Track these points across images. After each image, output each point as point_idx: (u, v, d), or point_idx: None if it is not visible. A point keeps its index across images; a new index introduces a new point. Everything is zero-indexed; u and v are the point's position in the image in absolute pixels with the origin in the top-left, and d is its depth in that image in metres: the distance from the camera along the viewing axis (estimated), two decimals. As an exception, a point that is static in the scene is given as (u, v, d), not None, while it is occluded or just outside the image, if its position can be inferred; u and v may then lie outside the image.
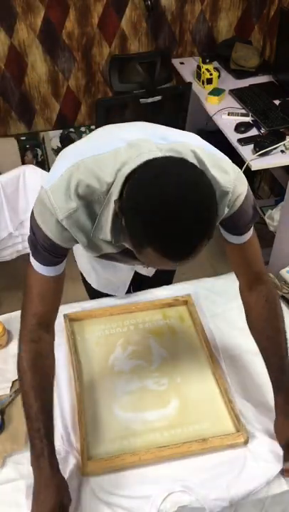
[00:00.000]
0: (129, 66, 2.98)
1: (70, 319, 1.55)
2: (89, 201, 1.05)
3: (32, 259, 1.15)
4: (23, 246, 2.57)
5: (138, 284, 1.81)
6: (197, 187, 0.92)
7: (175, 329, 1.57)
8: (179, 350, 1.50)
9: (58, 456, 1.13)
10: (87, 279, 1.70)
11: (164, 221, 0.88)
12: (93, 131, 1.26)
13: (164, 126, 1.23)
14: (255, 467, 1.22)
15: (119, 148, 1.06)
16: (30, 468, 1.13)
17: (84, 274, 1.70)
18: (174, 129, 1.23)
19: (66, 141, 3.26)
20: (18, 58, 2.95)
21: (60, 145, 3.28)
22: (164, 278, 1.72)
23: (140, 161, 1.00)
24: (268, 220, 2.70)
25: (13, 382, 1.39)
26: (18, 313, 1.55)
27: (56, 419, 1.25)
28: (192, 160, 1.05)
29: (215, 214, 0.94)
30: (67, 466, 1.21)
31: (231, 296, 1.65)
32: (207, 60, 2.93)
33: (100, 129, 1.25)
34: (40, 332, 1.18)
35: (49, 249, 1.11)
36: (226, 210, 1.14)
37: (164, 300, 1.63)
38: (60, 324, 1.49)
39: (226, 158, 1.17)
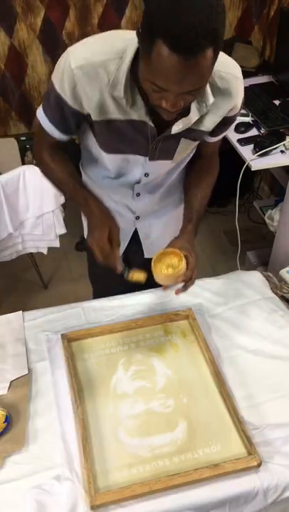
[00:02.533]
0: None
1: (68, 339, 1.48)
2: (106, 57, 1.15)
3: (39, 110, 1.31)
4: (23, 246, 2.56)
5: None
6: None
7: (178, 346, 1.49)
8: (183, 368, 1.43)
9: (61, 486, 1.14)
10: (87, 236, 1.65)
11: (177, 6, 0.92)
12: None
13: None
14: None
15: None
16: (30, 468, 1.18)
17: (86, 231, 1.64)
18: None
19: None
20: (18, 58, 2.94)
21: (60, 145, 3.27)
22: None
23: None
24: (267, 220, 2.69)
25: (11, 382, 1.38)
26: (19, 313, 1.58)
27: (58, 443, 1.23)
28: None
29: (224, 11, 0.98)
30: (73, 497, 1.13)
31: (231, 296, 1.66)
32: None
33: None
34: (53, 150, 1.39)
35: (54, 104, 1.24)
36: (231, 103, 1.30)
37: (164, 315, 1.56)
38: (59, 343, 1.47)
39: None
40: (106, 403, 1.33)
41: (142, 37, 1.02)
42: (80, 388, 1.36)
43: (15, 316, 1.58)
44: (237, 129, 2.44)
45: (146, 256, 1.70)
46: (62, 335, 1.49)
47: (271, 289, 1.72)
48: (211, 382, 1.39)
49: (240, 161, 2.29)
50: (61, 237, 2.57)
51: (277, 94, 2.72)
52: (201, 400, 1.35)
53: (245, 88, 2.74)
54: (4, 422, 1.25)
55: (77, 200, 1.38)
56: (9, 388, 1.37)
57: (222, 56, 1.14)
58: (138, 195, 1.53)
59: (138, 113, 1.21)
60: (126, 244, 1.65)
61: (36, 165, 1.44)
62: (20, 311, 1.60)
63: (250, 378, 1.41)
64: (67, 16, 2.85)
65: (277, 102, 2.65)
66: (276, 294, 1.71)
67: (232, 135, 2.42)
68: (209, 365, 1.42)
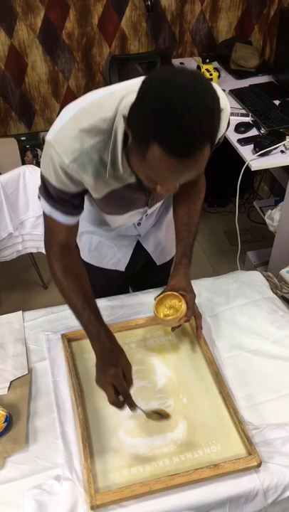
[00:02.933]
0: (129, 66, 2.98)
1: (69, 339, 1.47)
2: (96, 141, 1.09)
3: (44, 205, 1.23)
4: (23, 246, 2.56)
5: (137, 284, 1.83)
6: (202, 80, 0.95)
7: (178, 346, 1.49)
8: (183, 368, 1.42)
9: (61, 486, 1.14)
10: (85, 257, 1.64)
11: (172, 108, 0.88)
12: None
13: None
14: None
15: (114, 89, 1.12)
16: (31, 468, 1.19)
17: (82, 252, 1.64)
18: None
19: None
20: (18, 58, 2.93)
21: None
22: (162, 278, 1.72)
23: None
24: (268, 220, 2.68)
25: (11, 382, 1.38)
26: (19, 313, 1.58)
27: (58, 443, 1.23)
28: None
29: (219, 109, 0.96)
30: (73, 497, 1.13)
31: (231, 296, 1.67)
32: (207, 60, 2.93)
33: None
34: (63, 252, 1.30)
35: (58, 197, 1.19)
36: (224, 126, 1.23)
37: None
38: (59, 343, 1.48)
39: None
40: (106, 403, 1.32)
41: (134, 135, 0.99)
42: (80, 388, 1.36)
43: (15, 316, 1.58)
44: (237, 129, 2.45)
45: (158, 263, 1.70)
46: (62, 335, 1.48)
47: (271, 289, 1.72)
48: (211, 382, 1.39)
49: (240, 161, 2.29)
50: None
51: (277, 94, 2.73)
52: (201, 400, 1.35)
53: (245, 88, 2.79)
54: (4, 422, 1.25)
55: (89, 331, 1.27)
56: (9, 388, 1.37)
57: None
58: (139, 224, 1.54)
59: (134, 176, 1.18)
60: (128, 259, 1.65)
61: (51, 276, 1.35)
62: (21, 311, 1.60)
63: (250, 378, 1.41)
64: (67, 16, 2.85)
65: (277, 102, 2.64)
66: (276, 294, 1.71)
67: (232, 135, 2.42)
68: (209, 365, 1.42)
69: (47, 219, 1.26)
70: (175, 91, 0.89)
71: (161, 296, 1.43)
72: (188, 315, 1.40)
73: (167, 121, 0.89)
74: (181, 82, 0.91)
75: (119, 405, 1.18)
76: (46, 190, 1.20)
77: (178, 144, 0.91)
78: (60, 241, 1.29)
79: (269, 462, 1.20)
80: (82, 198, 1.25)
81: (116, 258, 1.63)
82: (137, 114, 0.95)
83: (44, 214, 1.26)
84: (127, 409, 1.19)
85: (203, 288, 1.69)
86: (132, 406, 1.19)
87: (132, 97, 1.01)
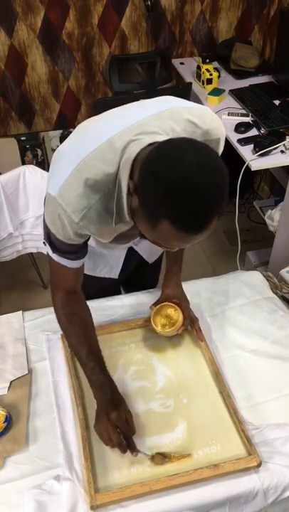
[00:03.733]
0: (129, 66, 2.98)
1: None
2: (101, 195, 1.08)
3: (51, 254, 1.23)
4: (23, 246, 2.56)
5: (130, 284, 1.83)
6: (211, 156, 0.96)
7: (178, 346, 1.49)
8: (183, 369, 1.43)
9: (61, 486, 1.14)
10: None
11: (185, 190, 0.88)
12: (75, 130, 1.23)
13: (138, 102, 1.23)
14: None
15: (112, 137, 1.08)
16: (31, 468, 1.19)
17: None
18: (147, 101, 1.23)
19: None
20: (18, 58, 2.93)
21: (60, 145, 3.27)
22: (153, 276, 1.72)
23: (139, 146, 1.02)
24: (268, 220, 2.68)
25: (11, 382, 1.38)
26: (19, 313, 1.58)
27: (58, 443, 1.24)
28: (188, 126, 1.13)
29: (227, 184, 0.95)
30: (73, 497, 1.13)
31: (231, 296, 1.67)
32: (207, 60, 2.93)
33: (80, 127, 1.23)
34: (70, 298, 1.30)
35: (65, 250, 1.20)
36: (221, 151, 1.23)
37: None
38: (58, 343, 1.48)
39: (203, 107, 1.24)
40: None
41: (142, 204, 0.98)
42: (80, 388, 1.36)
43: (15, 316, 1.58)
44: (237, 129, 2.44)
45: (150, 262, 1.70)
46: (61, 335, 1.48)
47: (271, 289, 1.72)
48: (211, 382, 1.39)
49: (240, 161, 2.29)
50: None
51: (277, 94, 2.72)
52: (201, 400, 1.35)
53: (245, 88, 2.79)
54: (4, 422, 1.25)
55: (92, 381, 1.26)
56: (9, 388, 1.37)
57: (207, 117, 1.18)
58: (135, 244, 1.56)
59: (131, 224, 1.18)
60: (120, 267, 1.64)
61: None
62: (21, 311, 1.60)
63: (250, 378, 1.41)
64: (67, 16, 2.85)
65: (277, 102, 2.64)
66: (276, 294, 1.71)
67: (232, 135, 2.42)
68: (209, 366, 1.42)
69: (53, 264, 1.25)
70: (187, 171, 0.89)
71: (158, 307, 1.47)
72: (185, 324, 1.44)
73: (180, 203, 0.89)
74: (192, 161, 0.91)
75: (123, 447, 1.18)
76: (52, 243, 1.20)
77: (190, 223, 0.92)
78: (67, 287, 1.30)
79: (269, 462, 1.20)
80: (87, 244, 1.26)
81: (109, 266, 1.63)
82: (148, 193, 0.94)
83: (50, 258, 1.25)
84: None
85: (203, 288, 1.69)
86: (135, 450, 1.18)
87: (134, 149, 1.03)
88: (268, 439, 1.25)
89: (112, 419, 1.18)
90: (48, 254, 1.25)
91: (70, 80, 3.09)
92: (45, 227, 1.19)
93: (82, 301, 1.34)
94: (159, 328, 1.46)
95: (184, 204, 0.89)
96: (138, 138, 1.05)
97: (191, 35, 3.13)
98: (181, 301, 1.45)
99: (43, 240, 1.24)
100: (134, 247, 1.60)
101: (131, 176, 1.04)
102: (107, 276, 1.65)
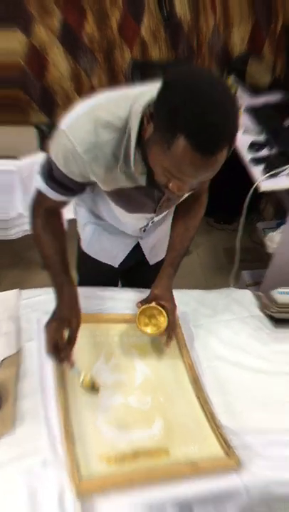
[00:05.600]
0: (151, 72, 2.99)
1: None
2: (110, 138, 1.12)
3: (41, 184, 1.28)
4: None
5: (128, 279, 1.86)
6: (226, 85, 0.99)
7: (159, 347, 1.51)
8: (162, 370, 1.45)
9: (47, 472, 1.12)
10: (84, 246, 1.69)
11: (203, 103, 0.92)
12: None
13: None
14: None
15: (129, 91, 1.15)
16: (21, 450, 1.16)
17: (83, 241, 1.69)
18: None
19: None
20: (38, 56, 2.90)
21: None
22: (152, 276, 1.72)
23: (153, 93, 1.04)
24: (267, 242, 2.68)
25: (2, 361, 1.35)
26: (16, 291, 1.59)
27: (41, 427, 1.22)
28: None
29: (238, 114, 1.00)
30: (59, 484, 1.11)
31: (219, 310, 1.66)
32: (224, 75, 2.94)
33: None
34: (47, 213, 1.35)
35: (60, 181, 1.23)
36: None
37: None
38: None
39: None
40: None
41: (158, 125, 1.01)
42: (63, 373, 1.35)
43: (12, 294, 1.58)
44: (251, 148, 2.41)
45: (151, 263, 1.73)
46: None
47: (260, 308, 1.71)
48: (189, 387, 1.40)
49: (248, 180, 2.28)
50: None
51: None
52: (178, 401, 1.36)
53: (258, 106, 2.77)
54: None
55: (54, 282, 1.35)
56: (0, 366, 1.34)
57: None
58: (144, 230, 1.58)
59: (144, 178, 1.21)
60: (124, 257, 1.68)
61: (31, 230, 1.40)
62: (18, 289, 1.61)
63: (229, 387, 1.41)
64: (84, 19, 2.85)
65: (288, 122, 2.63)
66: (264, 313, 1.69)
67: (245, 153, 2.39)
68: (188, 372, 1.44)
69: (39, 193, 1.31)
70: (205, 86, 0.93)
71: (144, 307, 1.48)
72: (167, 330, 1.46)
73: (197, 114, 0.92)
74: (210, 80, 0.96)
75: (55, 358, 1.30)
76: (49, 171, 1.23)
77: (205, 139, 0.94)
78: (47, 206, 1.34)
79: (249, 464, 1.20)
80: (81, 188, 1.29)
81: (113, 253, 1.66)
82: (165, 103, 0.97)
83: (36, 188, 1.31)
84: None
85: (192, 298, 1.69)
86: (69, 360, 1.30)
87: (145, 99, 1.08)
88: (246, 443, 1.25)
89: (50, 330, 1.28)
90: (35, 187, 1.30)
91: (93, 78, 3.09)
92: (46, 159, 1.23)
93: (58, 217, 1.39)
94: (141, 327, 1.47)
95: (200, 117, 0.92)
96: (152, 85, 1.09)
97: (208, 47, 3.12)
98: (168, 305, 1.47)
99: (37, 173, 1.28)
100: (140, 242, 1.64)
101: (141, 125, 1.08)
102: (108, 262, 1.69)
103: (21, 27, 2.79)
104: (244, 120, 2.66)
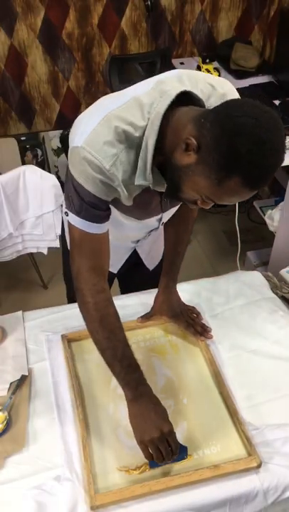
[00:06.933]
0: (129, 66, 2.98)
1: (69, 340, 1.47)
2: (127, 146, 1.07)
3: (76, 220, 1.15)
4: (23, 246, 2.56)
5: (124, 280, 1.84)
6: (277, 117, 0.97)
7: (178, 347, 1.49)
8: (184, 369, 1.42)
9: (61, 487, 1.14)
10: None
11: (265, 152, 0.92)
12: (92, 105, 1.18)
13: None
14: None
15: (137, 95, 1.08)
16: (31, 469, 1.18)
17: None
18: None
19: (66, 141, 3.26)
20: (18, 58, 2.92)
21: (60, 145, 3.23)
22: (148, 278, 1.72)
23: (168, 98, 1.03)
24: (267, 220, 2.68)
25: (11, 383, 1.37)
26: (19, 313, 1.57)
27: (59, 444, 1.23)
28: (206, 88, 1.14)
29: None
30: (73, 498, 1.13)
31: (231, 296, 1.67)
32: (207, 60, 2.93)
33: (97, 101, 1.18)
34: (102, 283, 1.22)
35: (93, 205, 1.12)
36: None
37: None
38: (59, 344, 1.48)
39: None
40: (106, 404, 1.33)
41: (208, 161, 0.97)
42: (80, 389, 1.35)
43: (15, 317, 1.58)
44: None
45: (150, 268, 1.70)
46: (62, 335, 1.48)
47: (271, 289, 1.72)
48: (211, 382, 1.39)
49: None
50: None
51: (277, 94, 2.72)
52: (201, 400, 1.34)
53: (245, 88, 2.78)
54: (3, 422, 1.25)
55: (125, 381, 1.19)
56: (9, 389, 1.36)
57: (225, 83, 1.20)
58: (149, 234, 1.52)
59: (158, 186, 1.16)
60: (121, 264, 1.64)
61: (78, 305, 1.24)
62: (21, 312, 1.60)
63: (250, 379, 1.41)
64: (67, 16, 2.85)
65: (277, 102, 2.64)
66: (276, 294, 1.70)
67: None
68: (209, 366, 1.42)
69: (75, 232, 1.18)
70: (267, 133, 0.92)
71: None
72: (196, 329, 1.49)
73: (260, 163, 0.93)
74: (269, 124, 0.93)
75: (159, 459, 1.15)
76: (80, 200, 1.13)
77: (260, 180, 0.97)
78: (93, 264, 1.21)
79: (269, 463, 1.20)
80: (110, 211, 1.20)
81: (111, 262, 1.61)
82: (227, 148, 0.93)
83: (71, 227, 1.18)
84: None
85: (203, 288, 1.69)
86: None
87: (161, 106, 1.04)
88: (268, 439, 1.25)
89: (165, 436, 1.13)
90: (69, 223, 1.18)
91: (70, 79, 3.09)
92: (70, 188, 1.13)
93: (109, 291, 1.26)
94: None
95: (260, 163, 0.93)
96: (164, 94, 1.05)
97: (191, 35, 3.13)
98: (173, 316, 1.52)
99: (65, 210, 1.18)
100: (136, 247, 1.60)
101: (160, 134, 1.04)
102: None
103: (5, 25, 2.79)
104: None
